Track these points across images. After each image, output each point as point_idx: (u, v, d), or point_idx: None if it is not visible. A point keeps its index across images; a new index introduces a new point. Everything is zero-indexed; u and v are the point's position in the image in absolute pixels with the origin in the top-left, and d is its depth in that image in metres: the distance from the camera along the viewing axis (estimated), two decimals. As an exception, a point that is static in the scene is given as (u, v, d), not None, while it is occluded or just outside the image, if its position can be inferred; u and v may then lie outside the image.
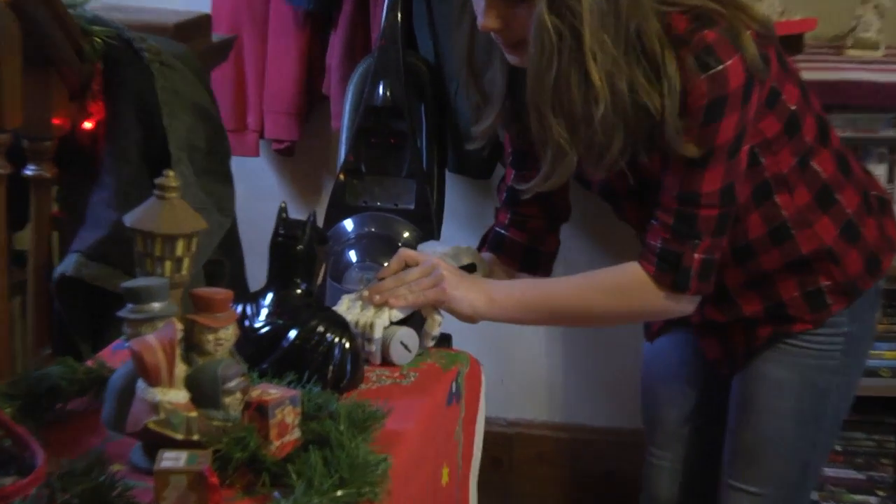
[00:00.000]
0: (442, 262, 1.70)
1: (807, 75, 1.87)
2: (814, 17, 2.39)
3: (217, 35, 2.48)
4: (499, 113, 1.70)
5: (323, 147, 2.86)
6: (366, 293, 1.69)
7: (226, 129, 2.23)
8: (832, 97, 2.22)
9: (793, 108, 1.72)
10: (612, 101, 1.56)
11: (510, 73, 1.67)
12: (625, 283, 1.70)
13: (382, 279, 1.71)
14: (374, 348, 1.65)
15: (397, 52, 2.41)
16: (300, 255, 1.58)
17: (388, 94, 2.41)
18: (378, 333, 1.65)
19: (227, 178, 2.17)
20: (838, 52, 2.46)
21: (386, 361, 1.67)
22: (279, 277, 1.59)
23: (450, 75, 2.49)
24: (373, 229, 2.44)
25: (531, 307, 1.71)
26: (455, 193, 2.73)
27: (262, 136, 2.77)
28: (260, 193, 2.85)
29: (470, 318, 1.71)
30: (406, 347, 1.67)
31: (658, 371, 2.02)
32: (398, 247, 2.37)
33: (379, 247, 2.42)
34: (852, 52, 2.43)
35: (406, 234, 2.43)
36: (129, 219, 1.40)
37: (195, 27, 2.32)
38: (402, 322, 1.68)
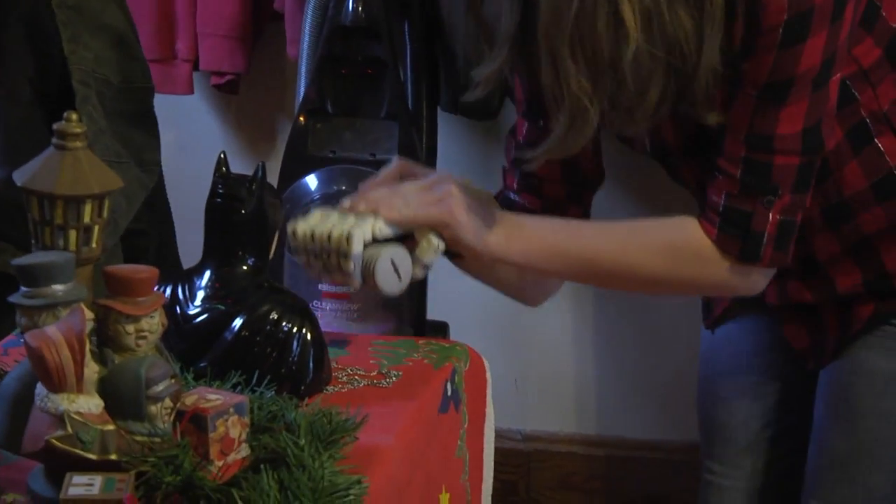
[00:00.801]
0: (452, 177, 1.71)
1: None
2: None
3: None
4: (506, 55, 1.71)
5: (276, 81, 2.87)
6: (347, 203, 1.68)
7: (147, 58, 2.24)
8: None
9: (894, 25, 1.74)
10: (648, 41, 1.58)
11: (522, 3, 1.68)
12: (679, 245, 1.72)
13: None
14: (353, 267, 1.63)
15: (372, -47, 2.42)
16: (246, 221, 1.59)
17: (360, 9, 2.42)
18: (357, 247, 1.63)
19: (149, 122, 2.19)
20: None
21: (367, 287, 1.66)
22: (219, 250, 1.61)
23: (443, -17, 2.51)
24: (343, 187, 2.45)
25: (558, 254, 1.72)
26: (450, 140, 2.75)
27: (196, 67, 2.78)
28: (194, 142, 2.87)
29: (477, 254, 1.71)
30: (396, 271, 1.66)
31: (720, 366, 2.04)
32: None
33: (351, 210, 2.44)
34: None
35: (387, 193, 2.45)
36: (21, 176, 1.42)
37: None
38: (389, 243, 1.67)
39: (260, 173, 1.60)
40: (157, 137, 2.19)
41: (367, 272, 1.65)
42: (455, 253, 1.73)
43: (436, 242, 1.68)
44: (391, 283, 1.66)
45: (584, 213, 1.89)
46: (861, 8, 1.68)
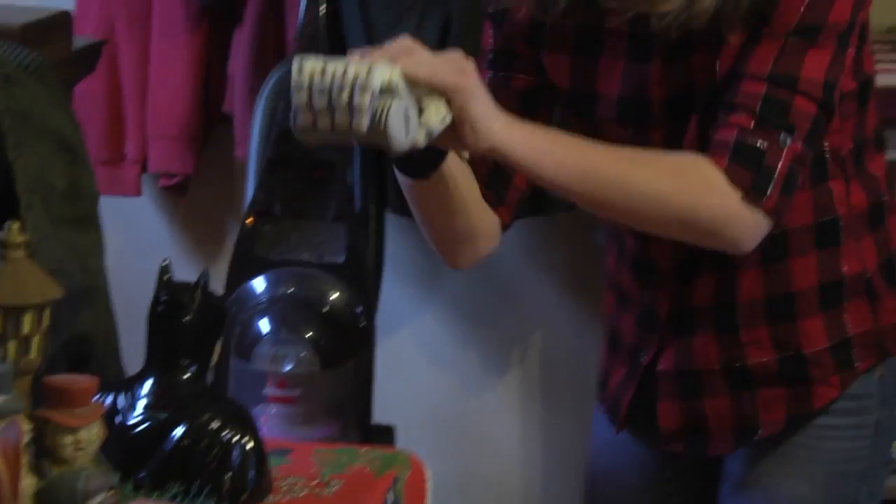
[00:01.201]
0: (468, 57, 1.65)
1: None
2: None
3: (81, 37, 2.51)
4: None
5: (225, 183, 2.89)
6: (358, 53, 1.59)
7: (96, 160, 2.25)
8: (890, 108, 2.24)
9: (868, 74, 1.79)
10: None
11: None
12: (687, 169, 1.69)
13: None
14: (368, 102, 1.53)
15: (320, 57, 2.46)
16: (188, 329, 1.61)
17: (308, 111, 2.45)
18: (377, 81, 1.54)
19: (93, 227, 2.18)
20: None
21: (370, 135, 1.56)
22: (161, 358, 1.62)
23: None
24: (291, 290, 2.47)
25: (558, 154, 1.66)
26: (398, 242, 2.77)
27: (145, 169, 2.80)
28: (143, 245, 2.87)
29: (477, 133, 1.62)
30: (407, 124, 1.57)
31: (611, 476, 1.99)
32: (321, 313, 2.40)
33: (299, 313, 2.45)
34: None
35: (334, 296, 2.47)
36: (-40, 287, 1.43)
37: (50, 29, 2.34)
38: None
39: (204, 280, 1.62)
40: (101, 243, 2.19)
41: (378, 117, 1.55)
42: (430, 160, 1.67)
43: (444, 110, 1.61)
44: (399, 135, 1.56)
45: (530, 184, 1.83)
46: (861, 22, 1.73)
